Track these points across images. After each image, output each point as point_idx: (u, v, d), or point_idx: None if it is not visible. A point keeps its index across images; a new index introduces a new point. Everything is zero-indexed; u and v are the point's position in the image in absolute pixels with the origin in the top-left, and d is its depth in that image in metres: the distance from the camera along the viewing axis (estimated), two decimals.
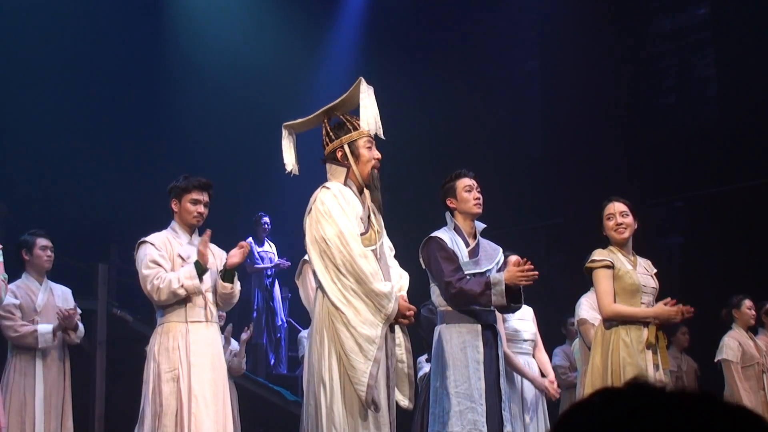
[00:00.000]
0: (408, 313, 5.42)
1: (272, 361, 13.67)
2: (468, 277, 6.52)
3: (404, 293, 5.62)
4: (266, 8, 16.21)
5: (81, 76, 14.67)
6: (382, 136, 5.67)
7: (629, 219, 6.85)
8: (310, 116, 5.83)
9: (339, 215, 5.39)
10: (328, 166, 5.77)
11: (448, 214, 6.88)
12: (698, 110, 14.17)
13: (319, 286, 5.40)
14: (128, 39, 15.16)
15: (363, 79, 5.65)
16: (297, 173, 5.89)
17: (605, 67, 14.35)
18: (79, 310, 8.31)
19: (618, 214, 6.81)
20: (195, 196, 6.84)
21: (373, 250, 5.53)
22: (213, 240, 7.05)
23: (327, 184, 5.58)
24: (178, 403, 6.45)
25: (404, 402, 5.70)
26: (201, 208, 6.85)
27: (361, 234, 5.49)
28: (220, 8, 16.08)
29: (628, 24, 14.43)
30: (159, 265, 6.61)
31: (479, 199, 6.79)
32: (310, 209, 5.50)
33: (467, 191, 6.79)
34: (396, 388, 5.63)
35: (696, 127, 13.76)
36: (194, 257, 6.76)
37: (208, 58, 15.71)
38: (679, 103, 14.37)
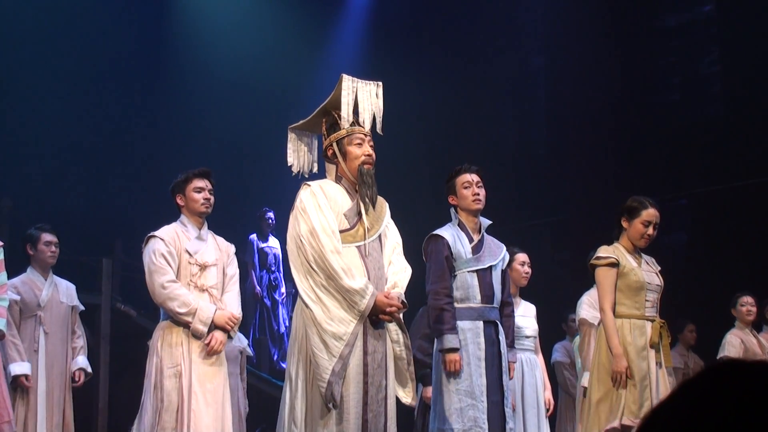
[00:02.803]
0: (389, 309, 5.37)
1: (275, 356, 13.69)
2: (450, 303, 6.57)
3: (398, 290, 5.55)
4: (270, 6, 16.21)
5: (87, 71, 14.67)
6: (379, 131, 5.66)
7: (655, 232, 6.84)
8: (309, 117, 5.84)
9: (314, 212, 5.40)
10: (325, 163, 5.81)
11: (452, 211, 6.90)
12: (703, 107, 14.14)
13: (295, 283, 5.43)
14: (135, 35, 15.18)
15: (345, 75, 5.61)
16: (306, 174, 5.92)
17: (610, 64, 14.34)
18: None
19: (654, 225, 6.78)
20: (197, 184, 6.84)
21: (358, 247, 5.52)
22: (217, 233, 7.05)
23: (309, 182, 5.59)
24: (180, 398, 6.44)
25: (406, 399, 5.69)
26: (207, 194, 6.85)
27: (345, 230, 5.49)
28: (226, 6, 16.08)
29: (633, 21, 14.41)
30: (166, 261, 6.58)
31: (478, 194, 6.79)
32: (293, 207, 5.52)
33: (465, 188, 6.80)
34: (397, 385, 5.62)
35: (700, 124, 13.74)
36: (201, 253, 6.75)
37: (214, 55, 15.70)
38: (684, 100, 14.35)
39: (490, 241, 6.90)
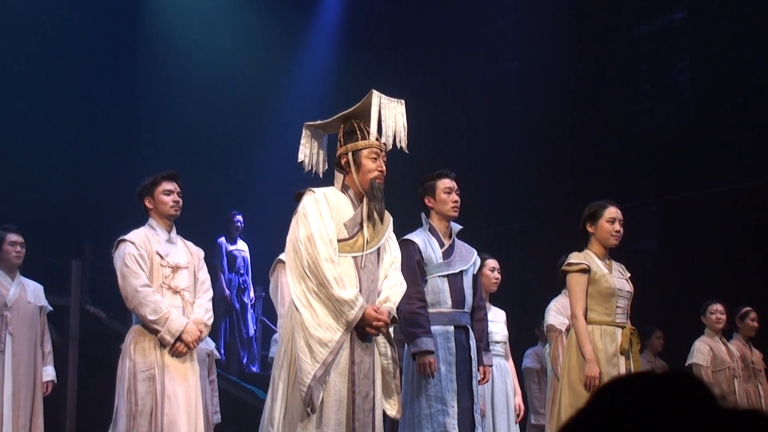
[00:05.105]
0: (375, 323, 5.40)
1: (244, 360, 13.66)
2: (423, 307, 6.55)
3: (389, 304, 5.57)
4: (240, 8, 16.21)
5: (55, 72, 14.62)
6: (405, 149, 5.70)
7: (622, 228, 6.85)
8: (328, 120, 5.84)
9: (314, 218, 5.41)
10: (334, 171, 5.81)
11: (423, 215, 6.89)
12: (674, 114, 14.20)
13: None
14: (104, 36, 15.12)
15: (375, 91, 5.63)
16: (319, 173, 5.91)
17: (582, 70, 14.39)
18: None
19: (618, 221, 6.80)
20: (166, 186, 6.81)
21: (354, 257, 5.54)
22: (186, 236, 7.02)
23: (314, 189, 5.60)
24: (153, 402, 6.41)
25: (391, 411, 5.72)
26: (175, 197, 6.82)
27: (344, 240, 5.51)
28: (196, 8, 16.05)
29: (606, 27, 14.45)
30: (138, 264, 6.55)
31: (457, 202, 6.80)
32: (295, 211, 5.53)
33: (446, 193, 6.79)
34: (383, 398, 5.64)
35: (671, 131, 13.79)
36: (172, 255, 6.72)
37: (185, 59, 15.69)
38: (655, 106, 14.41)
39: (461, 245, 6.90)
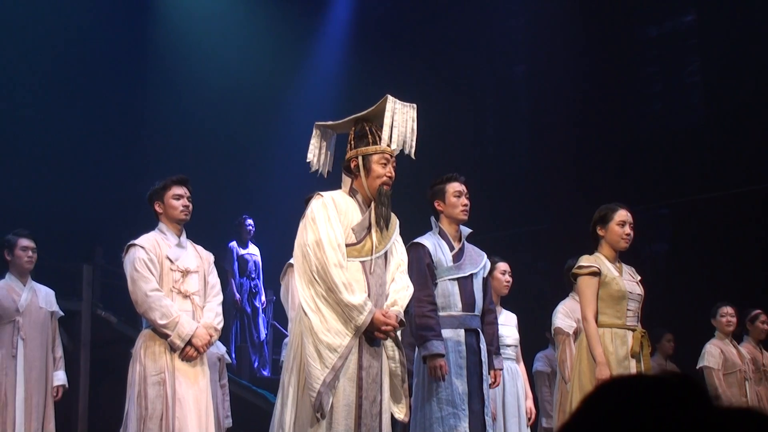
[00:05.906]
0: (384, 327, 5.40)
1: (255, 364, 13.65)
2: (434, 311, 6.54)
3: (397, 308, 5.58)
4: (250, 13, 16.22)
5: (66, 76, 14.63)
6: (412, 155, 5.71)
7: (632, 231, 6.85)
8: (340, 121, 5.83)
9: (322, 223, 5.42)
10: (342, 174, 5.80)
11: (433, 219, 6.88)
12: (684, 117, 14.18)
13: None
14: (114, 41, 15.13)
15: (390, 96, 5.63)
16: (324, 173, 5.89)
17: (591, 73, 14.38)
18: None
19: (629, 224, 6.79)
20: (176, 191, 6.83)
21: (363, 262, 5.54)
22: (196, 241, 7.04)
23: (322, 192, 5.60)
24: (164, 406, 6.42)
25: (399, 415, 5.72)
26: (185, 201, 6.84)
27: (352, 244, 5.51)
28: (205, 12, 16.06)
29: (615, 30, 14.44)
30: (148, 269, 6.57)
31: (467, 206, 6.79)
32: (303, 215, 5.53)
33: (456, 196, 6.79)
34: (391, 402, 5.64)
35: (681, 133, 13.77)
36: (182, 260, 6.73)
37: (194, 63, 15.70)
38: (665, 109, 14.39)
39: (470, 249, 6.90)
